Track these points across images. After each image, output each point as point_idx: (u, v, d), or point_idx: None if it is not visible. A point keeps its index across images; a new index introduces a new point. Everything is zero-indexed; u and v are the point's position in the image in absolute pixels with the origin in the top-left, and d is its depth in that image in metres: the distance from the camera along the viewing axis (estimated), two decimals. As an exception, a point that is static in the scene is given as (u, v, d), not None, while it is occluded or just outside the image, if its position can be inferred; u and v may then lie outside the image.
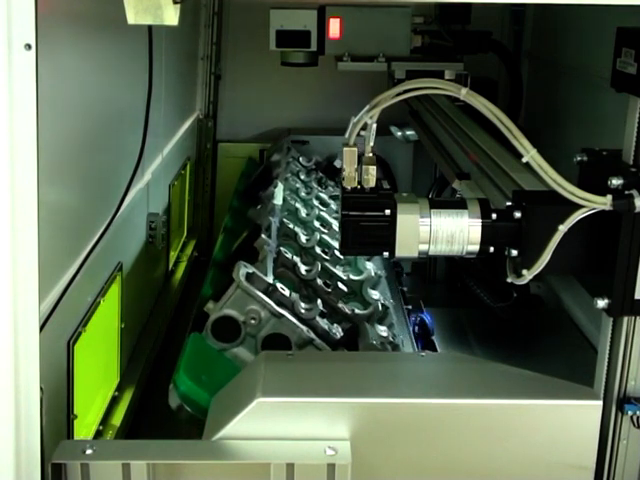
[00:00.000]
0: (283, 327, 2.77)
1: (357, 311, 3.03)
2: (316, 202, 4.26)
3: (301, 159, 4.99)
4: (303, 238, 3.60)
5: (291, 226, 3.66)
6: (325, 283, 3.18)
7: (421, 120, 4.39)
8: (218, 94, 6.02)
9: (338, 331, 2.87)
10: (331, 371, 2.39)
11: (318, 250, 3.52)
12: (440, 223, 2.23)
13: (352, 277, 3.33)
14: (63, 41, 2.66)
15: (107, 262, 3.34)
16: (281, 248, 3.33)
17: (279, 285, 2.92)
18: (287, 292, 2.90)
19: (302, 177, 4.65)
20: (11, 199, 1.88)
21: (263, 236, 3.37)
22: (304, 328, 2.77)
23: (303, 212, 3.98)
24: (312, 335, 2.77)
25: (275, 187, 4.12)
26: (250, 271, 2.87)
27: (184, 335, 4.73)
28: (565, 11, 4.29)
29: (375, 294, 3.24)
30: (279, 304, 2.81)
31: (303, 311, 2.85)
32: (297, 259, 3.30)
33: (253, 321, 2.75)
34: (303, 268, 3.24)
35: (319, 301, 2.98)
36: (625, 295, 2.16)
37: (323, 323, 2.85)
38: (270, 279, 2.93)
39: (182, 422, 2.55)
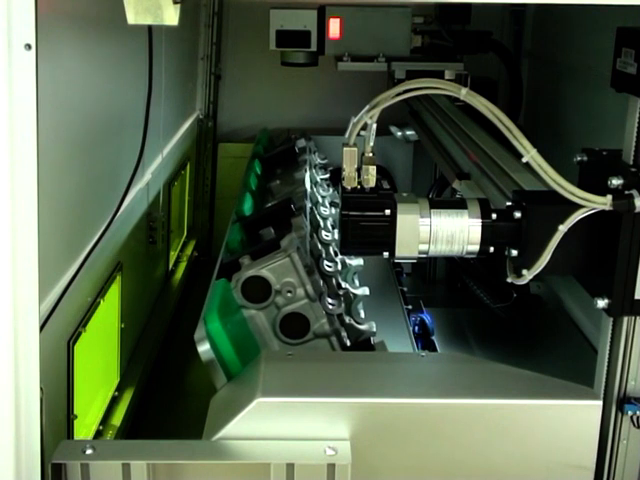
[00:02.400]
0: (310, 311, 2.76)
1: (354, 323, 3.01)
2: (326, 202, 4.25)
3: (316, 155, 4.97)
4: (323, 233, 3.58)
5: (317, 217, 3.65)
6: (338, 285, 3.17)
7: (421, 120, 4.39)
8: (218, 94, 6.02)
9: (346, 336, 2.87)
10: (331, 371, 2.39)
11: (331, 250, 3.51)
12: (440, 223, 2.23)
13: (352, 290, 3.32)
14: (63, 41, 2.66)
15: (107, 262, 3.34)
16: (315, 235, 3.32)
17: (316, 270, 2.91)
18: (321, 281, 2.89)
19: (320, 174, 4.63)
20: (11, 199, 1.88)
21: (303, 216, 3.35)
22: (327, 320, 2.77)
23: (322, 208, 3.96)
24: (331, 330, 2.77)
25: (306, 172, 4.11)
26: (298, 245, 2.86)
27: (184, 335, 4.76)
28: (565, 11, 4.29)
29: (361, 312, 3.23)
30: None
31: (330, 306, 2.85)
32: (323, 251, 3.29)
33: (289, 294, 2.75)
34: (326, 262, 3.23)
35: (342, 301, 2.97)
36: (625, 295, 2.16)
37: (338, 323, 2.85)
38: (308, 260, 2.93)
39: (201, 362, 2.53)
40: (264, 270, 2.75)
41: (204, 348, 2.47)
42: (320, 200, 3.99)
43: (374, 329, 2.95)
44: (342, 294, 3.12)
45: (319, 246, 3.28)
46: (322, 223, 3.65)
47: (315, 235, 3.38)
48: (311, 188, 3.96)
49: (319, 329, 2.76)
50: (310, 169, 4.33)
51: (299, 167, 4.25)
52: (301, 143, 4.77)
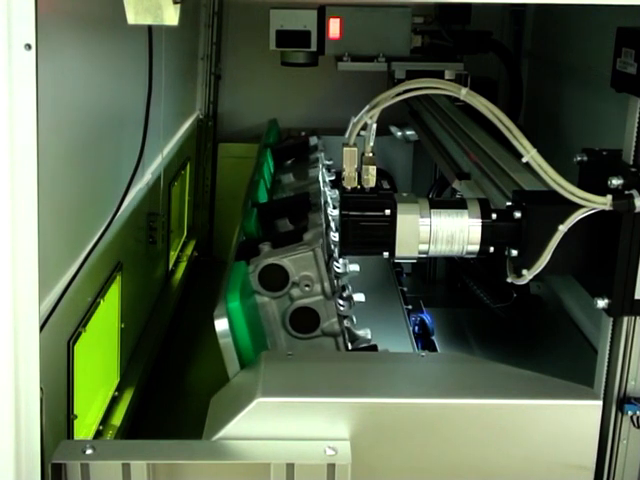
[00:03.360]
0: (323, 309, 2.74)
1: (352, 327, 3.01)
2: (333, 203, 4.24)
3: (322, 154, 4.96)
4: (332, 234, 3.58)
5: (329, 217, 3.65)
6: (343, 287, 3.17)
7: (421, 120, 4.39)
8: (218, 94, 6.02)
9: (348, 338, 2.87)
10: (331, 371, 2.39)
11: (336, 251, 3.50)
12: (440, 223, 2.23)
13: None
14: (63, 41, 2.66)
15: (107, 262, 3.34)
16: (331, 233, 3.32)
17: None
18: (335, 280, 2.89)
19: (327, 174, 4.62)
20: (11, 199, 1.88)
21: (320, 212, 3.33)
22: (337, 320, 2.77)
23: (329, 209, 3.95)
24: (339, 330, 2.76)
25: (320, 169, 4.09)
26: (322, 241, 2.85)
27: (184, 335, 4.77)
28: (565, 11, 4.29)
29: (354, 317, 3.22)
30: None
31: (341, 308, 2.84)
32: (334, 251, 3.29)
33: (307, 288, 2.73)
34: (335, 263, 3.22)
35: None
36: (625, 295, 2.16)
37: (344, 325, 2.85)
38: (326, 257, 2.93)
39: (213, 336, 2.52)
40: (286, 260, 2.73)
41: (223, 326, 2.44)
42: (329, 200, 3.99)
43: (369, 336, 2.95)
44: (347, 296, 3.12)
45: (332, 245, 3.28)
46: (332, 224, 3.65)
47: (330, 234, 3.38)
48: (323, 187, 3.95)
49: (328, 327, 2.75)
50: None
51: (311, 163, 4.24)
52: (313, 140, 4.76)
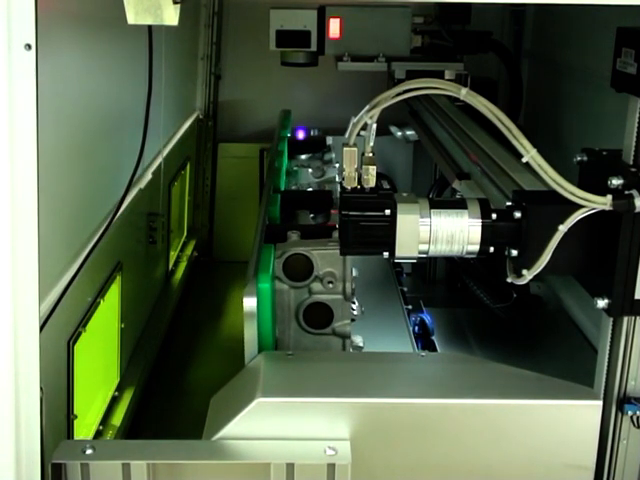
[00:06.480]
0: (339, 309, 2.72)
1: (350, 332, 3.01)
2: None
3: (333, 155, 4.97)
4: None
5: None
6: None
7: (421, 120, 4.39)
8: (218, 94, 6.02)
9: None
10: (331, 371, 2.39)
11: None
12: (440, 223, 2.23)
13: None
14: (63, 41, 2.66)
15: (107, 262, 3.35)
16: None
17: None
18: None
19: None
20: (11, 199, 1.88)
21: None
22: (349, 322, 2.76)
23: None
24: (349, 332, 2.75)
25: (337, 171, 4.08)
26: None
27: (184, 335, 4.77)
28: (565, 11, 4.29)
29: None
30: None
31: (355, 311, 2.83)
32: None
33: (330, 285, 2.70)
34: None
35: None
36: (625, 295, 2.16)
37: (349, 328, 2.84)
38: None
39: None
40: (315, 252, 2.70)
41: (251, 304, 2.41)
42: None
43: (361, 343, 2.94)
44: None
45: None
46: None
47: None
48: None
49: (340, 328, 2.73)
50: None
51: (325, 163, 4.23)
52: (330, 141, 4.76)
